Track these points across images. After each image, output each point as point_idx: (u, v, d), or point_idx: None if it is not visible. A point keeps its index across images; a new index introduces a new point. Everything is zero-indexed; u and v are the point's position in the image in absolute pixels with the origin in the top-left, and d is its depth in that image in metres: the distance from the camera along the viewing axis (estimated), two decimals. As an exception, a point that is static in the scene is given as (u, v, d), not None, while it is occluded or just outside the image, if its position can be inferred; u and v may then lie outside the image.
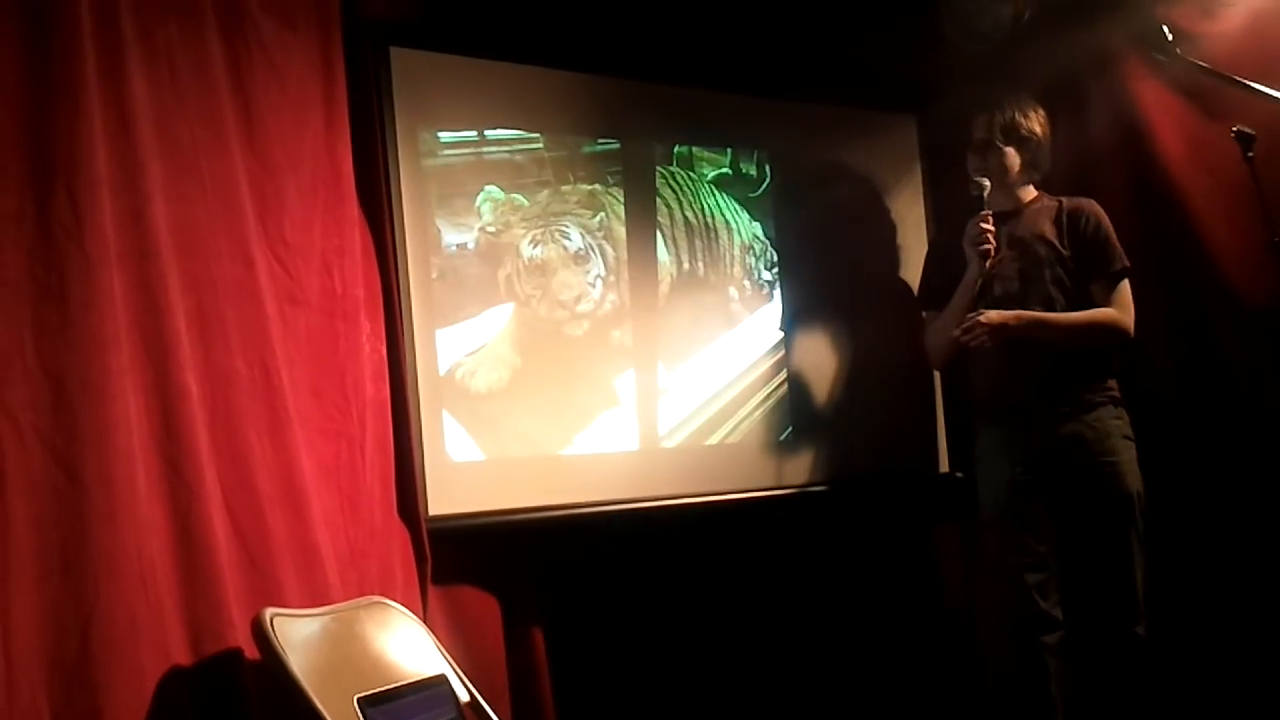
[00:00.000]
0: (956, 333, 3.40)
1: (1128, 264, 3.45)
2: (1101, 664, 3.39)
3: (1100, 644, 3.39)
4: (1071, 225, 3.48)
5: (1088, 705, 3.42)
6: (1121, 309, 3.43)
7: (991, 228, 3.40)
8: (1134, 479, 3.39)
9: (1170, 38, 3.32)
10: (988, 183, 3.47)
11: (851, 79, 4.03)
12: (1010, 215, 3.50)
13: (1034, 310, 3.40)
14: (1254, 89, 3.25)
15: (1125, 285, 3.45)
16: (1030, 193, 3.58)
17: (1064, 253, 3.46)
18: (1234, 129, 3.17)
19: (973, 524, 3.66)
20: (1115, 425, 3.41)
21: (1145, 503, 3.39)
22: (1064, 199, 3.56)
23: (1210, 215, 3.63)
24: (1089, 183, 3.76)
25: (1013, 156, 3.52)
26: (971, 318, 3.37)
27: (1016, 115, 3.51)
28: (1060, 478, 3.39)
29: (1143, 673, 3.36)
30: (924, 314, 3.73)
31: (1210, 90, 3.55)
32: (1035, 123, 3.53)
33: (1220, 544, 3.61)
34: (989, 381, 3.51)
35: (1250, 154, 3.15)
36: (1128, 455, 3.40)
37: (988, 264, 3.40)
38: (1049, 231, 3.49)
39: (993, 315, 3.36)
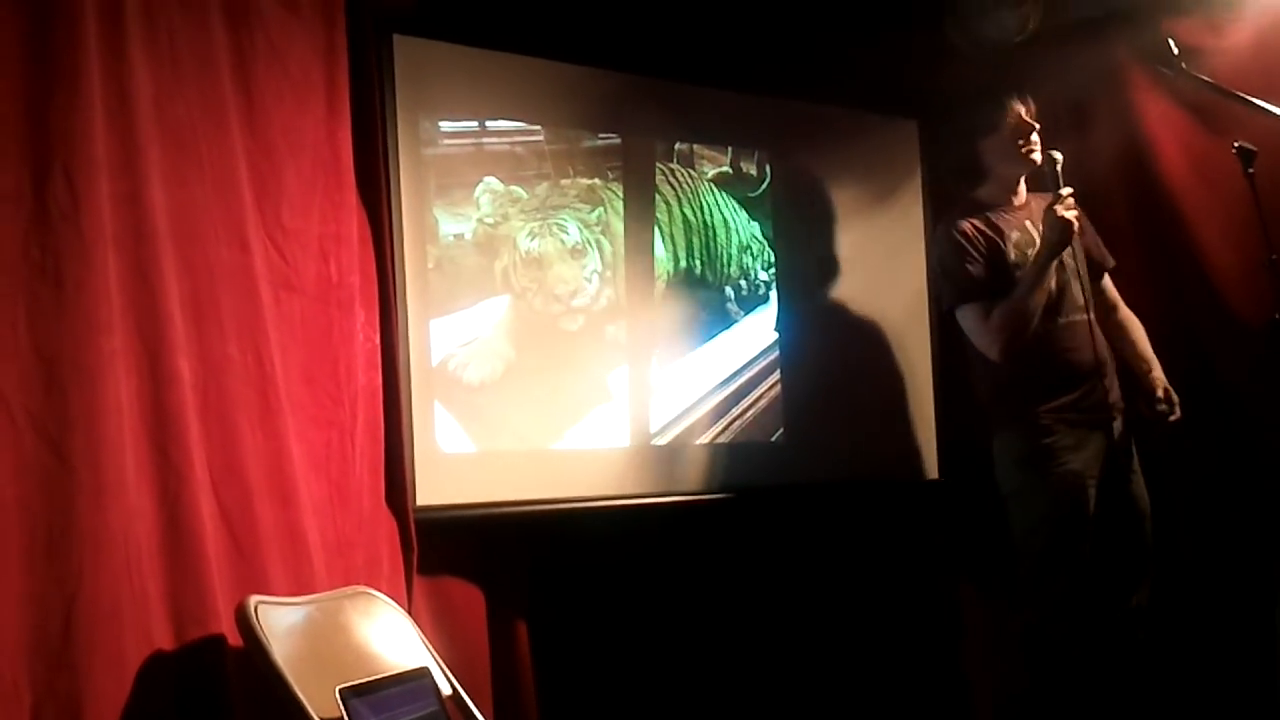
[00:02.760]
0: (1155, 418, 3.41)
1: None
2: (1104, 636, 3.41)
3: (1103, 619, 3.41)
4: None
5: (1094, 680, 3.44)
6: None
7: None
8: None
9: (1175, 51, 3.30)
10: (1060, 156, 3.37)
11: (855, 82, 4.03)
12: (1015, 210, 3.49)
13: (1077, 303, 3.40)
14: (1257, 105, 3.24)
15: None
16: None
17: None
18: (1235, 144, 3.16)
19: (961, 536, 3.66)
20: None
21: None
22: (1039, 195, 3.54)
23: (1209, 230, 3.62)
24: (1090, 193, 3.75)
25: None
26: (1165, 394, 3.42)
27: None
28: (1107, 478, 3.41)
29: (1142, 649, 3.40)
30: (971, 306, 3.44)
31: (1213, 105, 3.54)
32: None
33: (1214, 558, 3.62)
34: (1074, 379, 3.40)
35: (1251, 170, 3.13)
36: None
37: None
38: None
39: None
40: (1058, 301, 3.38)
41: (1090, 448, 3.37)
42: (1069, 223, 3.28)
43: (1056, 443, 3.38)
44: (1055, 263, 3.33)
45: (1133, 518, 3.42)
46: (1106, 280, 3.56)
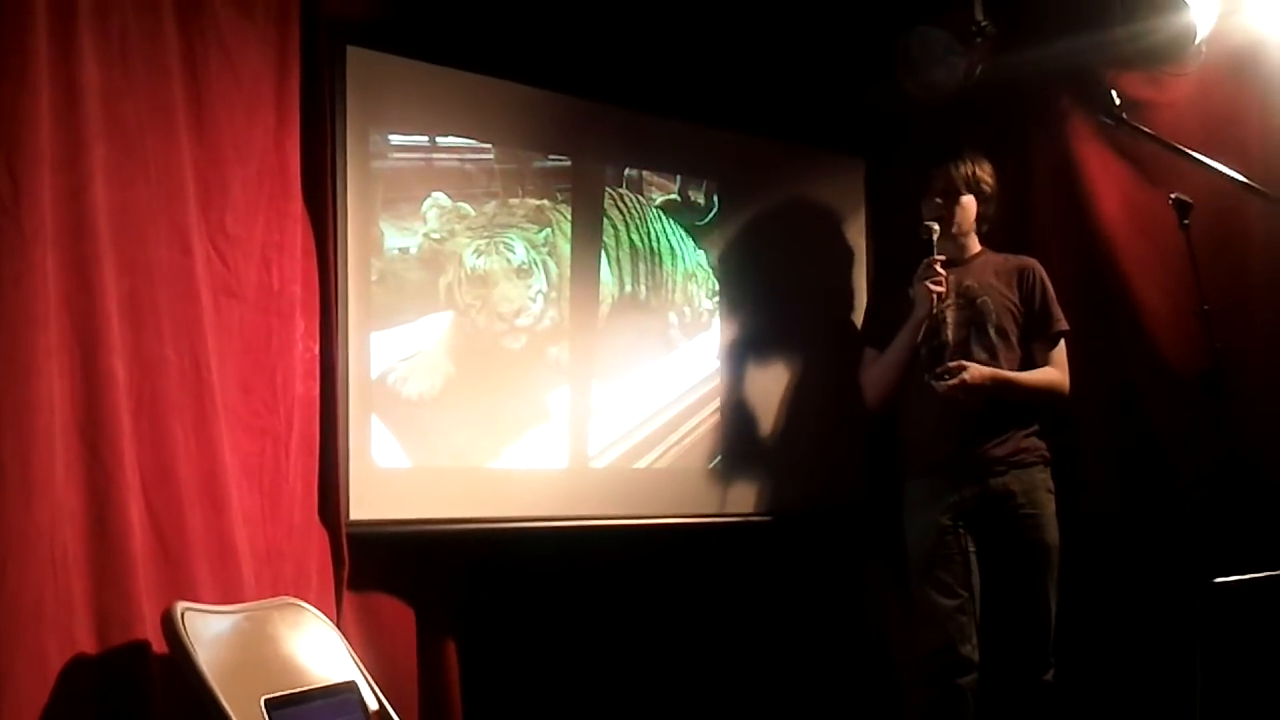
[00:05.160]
0: (936, 382, 3.38)
1: (1066, 326, 3.56)
2: (1011, 709, 3.44)
3: (1010, 689, 3.44)
4: (1019, 281, 3.57)
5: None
6: (1061, 369, 3.55)
7: (943, 272, 3.44)
8: (1053, 532, 3.47)
9: (1118, 102, 3.37)
10: (937, 227, 3.52)
11: (805, 118, 4.07)
12: (956, 265, 3.55)
13: (977, 359, 3.45)
14: (1194, 158, 3.32)
15: (1063, 346, 3.56)
16: (976, 245, 3.64)
17: (1011, 306, 3.53)
18: (1172, 196, 3.23)
19: (896, 564, 3.69)
20: (1040, 479, 3.49)
21: (1061, 556, 3.45)
22: (1008, 255, 3.64)
23: (1144, 280, 3.68)
24: (1026, 239, 3.82)
25: (970, 207, 3.59)
26: (957, 364, 3.38)
27: (976, 168, 3.58)
28: (985, 527, 3.45)
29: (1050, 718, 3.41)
30: (865, 350, 3.75)
31: (1152, 157, 3.61)
32: (989, 176, 3.61)
33: (1138, 603, 3.66)
34: (921, 433, 3.55)
35: (1186, 221, 3.20)
36: (1049, 509, 3.48)
37: (935, 307, 3.43)
38: (996, 283, 3.55)
39: (975, 372, 3.39)
40: (940, 357, 3.43)
41: (945, 502, 3.45)
42: (929, 293, 3.43)
43: (912, 492, 3.57)
44: (943, 320, 3.45)
45: (1023, 589, 3.44)
46: (1060, 346, 3.57)
